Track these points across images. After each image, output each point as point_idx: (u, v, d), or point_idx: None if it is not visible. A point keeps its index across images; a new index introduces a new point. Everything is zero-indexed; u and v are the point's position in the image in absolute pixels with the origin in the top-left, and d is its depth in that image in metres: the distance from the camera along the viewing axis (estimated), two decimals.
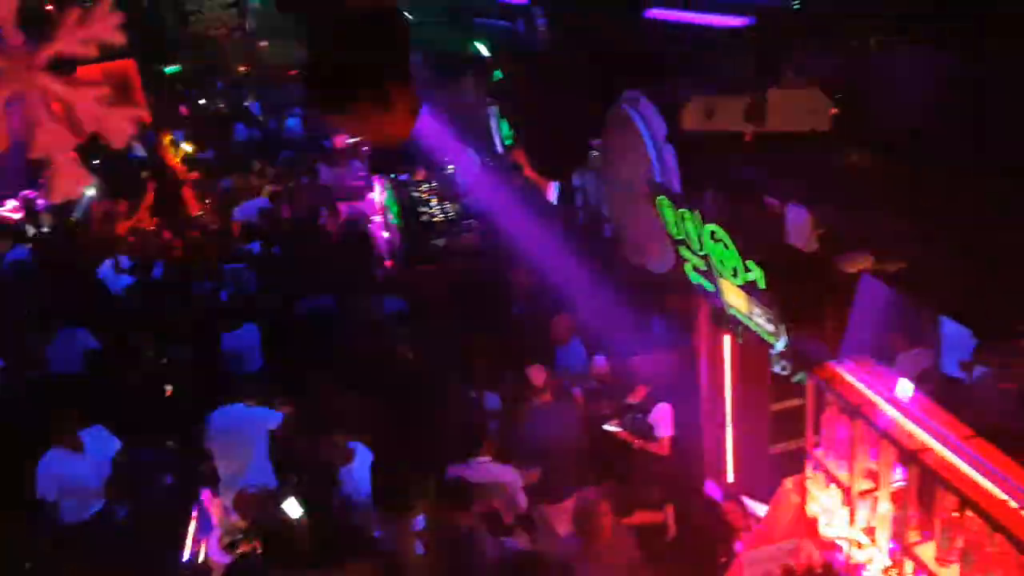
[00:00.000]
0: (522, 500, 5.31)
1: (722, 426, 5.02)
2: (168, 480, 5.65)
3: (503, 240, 8.47)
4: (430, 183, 9.75)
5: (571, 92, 6.08)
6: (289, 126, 15.72)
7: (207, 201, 11.53)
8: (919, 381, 5.10)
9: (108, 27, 2.06)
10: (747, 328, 4.27)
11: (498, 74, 8.96)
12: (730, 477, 5.11)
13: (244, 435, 5.65)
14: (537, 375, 5.71)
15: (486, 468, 5.19)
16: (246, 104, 17.16)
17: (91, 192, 10.87)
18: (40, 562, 5.10)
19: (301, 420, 5.93)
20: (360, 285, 7.92)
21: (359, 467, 5.17)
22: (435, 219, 9.08)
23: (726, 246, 3.94)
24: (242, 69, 20.84)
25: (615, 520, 4.53)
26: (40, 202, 10.76)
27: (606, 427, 5.75)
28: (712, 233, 4.01)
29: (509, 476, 5.26)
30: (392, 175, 9.79)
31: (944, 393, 4.02)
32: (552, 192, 8.61)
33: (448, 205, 9.35)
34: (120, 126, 2.19)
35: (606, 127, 5.35)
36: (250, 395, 5.94)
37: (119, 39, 2.08)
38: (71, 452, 5.39)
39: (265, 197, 11.06)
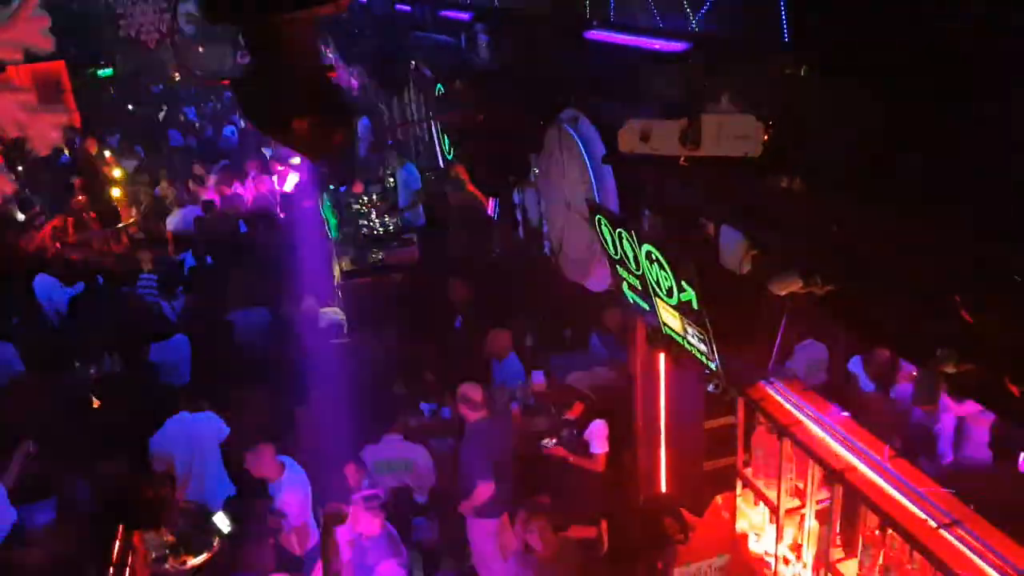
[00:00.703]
0: (431, 479, 5.70)
1: (656, 443, 5.08)
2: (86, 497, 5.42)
3: (443, 254, 8.44)
4: (370, 195, 9.66)
5: (511, 109, 6.12)
6: (225, 135, 15.40)
7: (139, 209, 11.18)
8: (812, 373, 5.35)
9: (34, 30, 1.98)
10: (681, 348, 4.34)
11: (440, 88, 8.96)
12: (664, 491, 5.17)
13: (202, 442, 5.56)
14: (473, 391, 5.69)
15: (396, 445, 5.67)
16: (182, 110, 16.78)
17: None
18: None
19: (232, 433, 5.80)
20: (295, 296, 7.77)
21: (287, 483, 5.05)
22: (374, 232, 8.98)
23: (661, 266, 4.00)
24: (177, 76, 20.37)
25: (552, 534, 4.53)
26: None
27: (543, 443, 5.75)
28: (648, 253, 4.06)
29: (419, 453, 5.71)
30: (330, 186, 9.66)
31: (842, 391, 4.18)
32: (492, 207, 8.62)
33: (387, 218, 9.26)
34: (45, 132, 2.11)
35: (546, 145, 5.39)
36: (181, 408, 5.81)
37: (46, 44, 2.00)
38: None
39: (197, 206, 10.78)
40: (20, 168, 11.68)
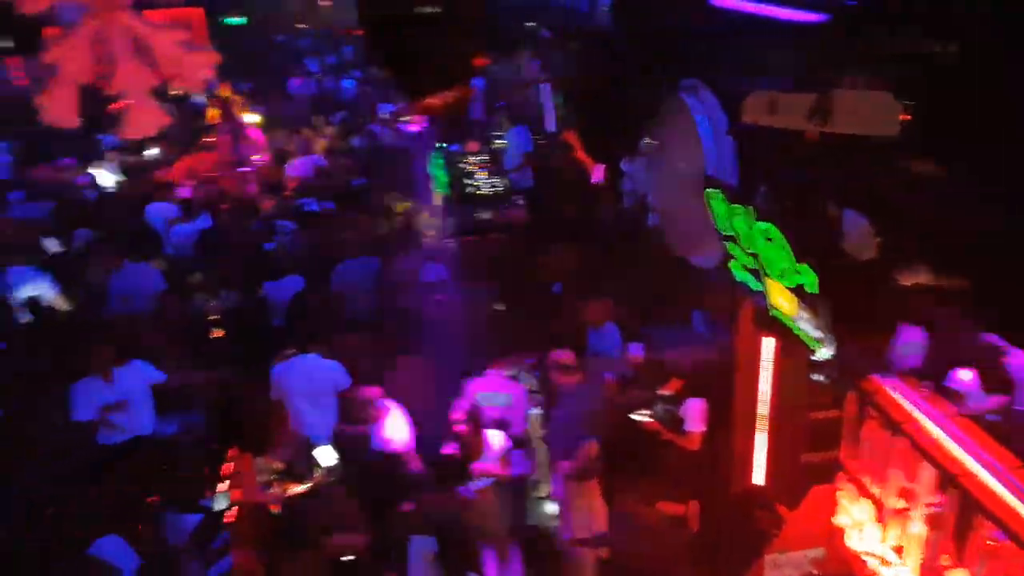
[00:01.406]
0: (525, 417, 5.78)
1: (754, 429, 4.96)
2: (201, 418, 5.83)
3: (548, 219, 8.43)
4: (480, 156, 9.73)
5: (630, 75, 6.00)
6: (344, 87, 15.82)
7: (263, 154, 11.69)
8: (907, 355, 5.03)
9: None
10: (789, 332, 4.20)
11: (555, 51, 8.88)
12: (759, 481, 5.06)
13: (318, 386, 5.83)
14: (567, 355, 5.72)
15: (498, 380, 5.82)
16: (304, 61, 17.32)
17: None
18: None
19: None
20: (404, 248, 7.97)
21: (390, 426, 5.24)
22: (481, 192, 9.06)
23: (778, 246, 3.87)
24: (301, 26, 21.00)
25: (643, 505, 4.54)
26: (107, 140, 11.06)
27: (635, 415, 5.73)
28: (764, 231, 3.93)
29: (517, 390, 5.81)
30: (443, 144, 9.79)
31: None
32: (599, 175, 8.54)
33: (496, 179, 9.32)
34: (197, 70, 2.23)
35: (663, 113, 5.27)
36: (287, 345, 6.12)
37: None
38: (103, 381, 5.60)
39: (320, 155, 11.20)
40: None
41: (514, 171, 9.31)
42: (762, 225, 3.91)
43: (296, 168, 10.87)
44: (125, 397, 5.58)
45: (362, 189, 10.02)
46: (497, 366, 6.02)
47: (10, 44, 10.66)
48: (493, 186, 9.20)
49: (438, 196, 9.52)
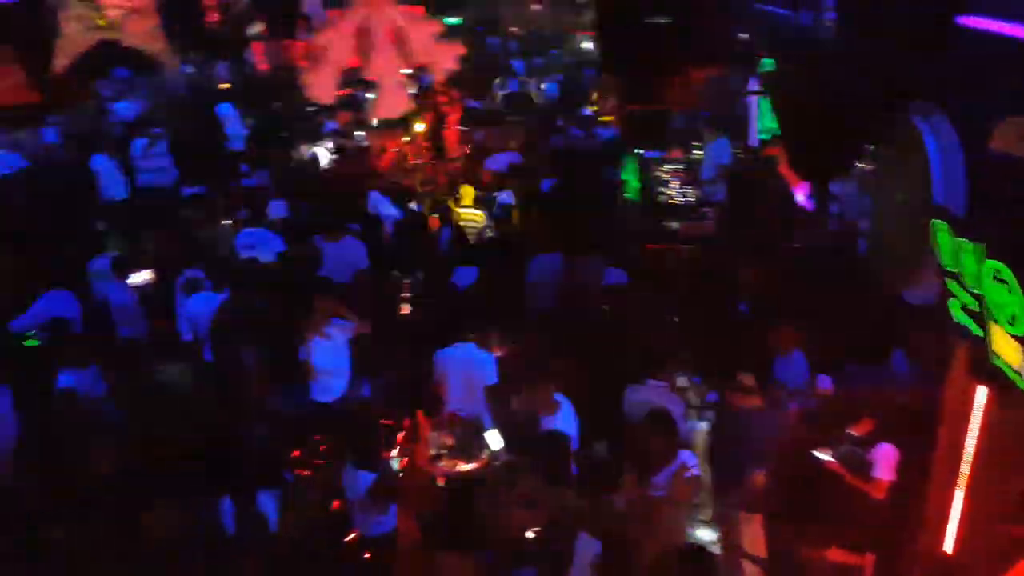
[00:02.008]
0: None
1: (953, 488, 4.53)
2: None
3: (741, 234, 8.16)
4: (675, 164, 9.61)
5: (852, 92, 5.68)
6: (547, 90, 16.20)
7: (466, 146, 12.26)
8: None
9: None
10: (1012, 385, 3.80)
11: (767, 63, 8.55)
12: (950, 547, 4.61)
13: (472, 375, 6.07)
14: (748, 377, 5.54)
15: (658, 391, 5.64)
16: (511, 62, 17.89)
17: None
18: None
19: (512, 366, 6.25)
20: (587, 250, 8.04)
21: (562, 420, 5.33)
22: (673, 201, 8.94)
23: (1010, 289, 3.51)
24: (513, 29, 21.70)
25: (808, 551, 4.30)
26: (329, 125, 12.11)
27: (818, 452, 5.43)
28: (995, 272, 3.58)
29: (677, 406, 5.55)
30: (639, 150, 9.76)
31: None
32: (804, 194, 8.14)
33: (689, 189, 9.16)
34: (445, 60, 2.41)
35: (885, 135, 4.94)
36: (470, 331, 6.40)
37: None
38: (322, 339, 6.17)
39: (516, 152, 11.57)
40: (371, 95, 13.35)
41: (709, 183, 9.10)
42: (993, 264, 3.56)
43: (494, 163, 11.29)
44: (336, 356, 6.09)
45: (552, 188, 10.22)
46: (662, 377, 5.92)
47: (259, 31, 11.96)
48: (685, 196, 9.05)
49: (627, 201, 9.52)
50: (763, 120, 8.94)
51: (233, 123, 12.88)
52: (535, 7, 19.78)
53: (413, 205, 9.99)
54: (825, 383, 5.90)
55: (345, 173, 10.97)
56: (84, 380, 6.08)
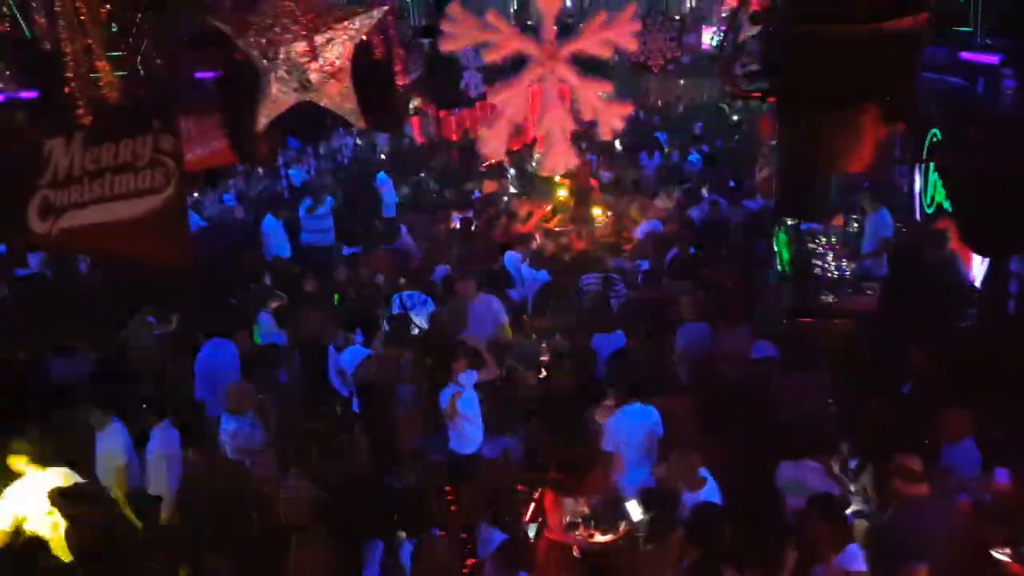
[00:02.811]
0: None
1: None
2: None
3: (904, 311, 7.65)
4: (830, 236, 9.23)
5: None
6: (691, 160, 16.17)
7: (610, 214, 12.40)
8: None
9: (625, 33, 2.33)
10: None
11: (935, 132, 8.13)
12: None
13: (635, 434, 6.03)
14: (913, 461, 5.09)
15: (814, 473, 5.43)
16: (656, 135, 18.05)
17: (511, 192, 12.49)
18: None
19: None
20: (736, 322, 7.80)
21: (704, 497, 5.10)
22: (828, 274, 8.55)
23: None
24: (659, 102, 21.96)
25: None
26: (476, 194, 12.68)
27: (995, 552, 4.87)
28: None
29: (834, 490, 5.23)
30: (794, 220, 9.46)
31: None
32: (978, 270, 7.56)
33: (845, 263, 8.73)
34: (612, 120, 2.47)
35: None
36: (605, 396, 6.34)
37: (633, 47, 2.34)
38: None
39: (658, 220, 11.55)
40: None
41: (869, 256, 8.64)
42: None
43: (639, 231, 11.32)
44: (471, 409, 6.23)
45: (695, 259, 10.09)
46: (818, 458, 5.59)
47: (417, 105, 12.77)
48: (841, 269, 8.63)
49: (779, 274, 9.20)
50: (929, 192, 8.46)
51: (388, 191, 13.75)
52: (681, 81, 19.96)
53: (555, 270, 10.13)
54: (1003, 476, 5.33)
55: (491, 238, 11.34)
56: (243, 425, 6.47)
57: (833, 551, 4.52)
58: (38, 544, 4.74)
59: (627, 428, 6.02)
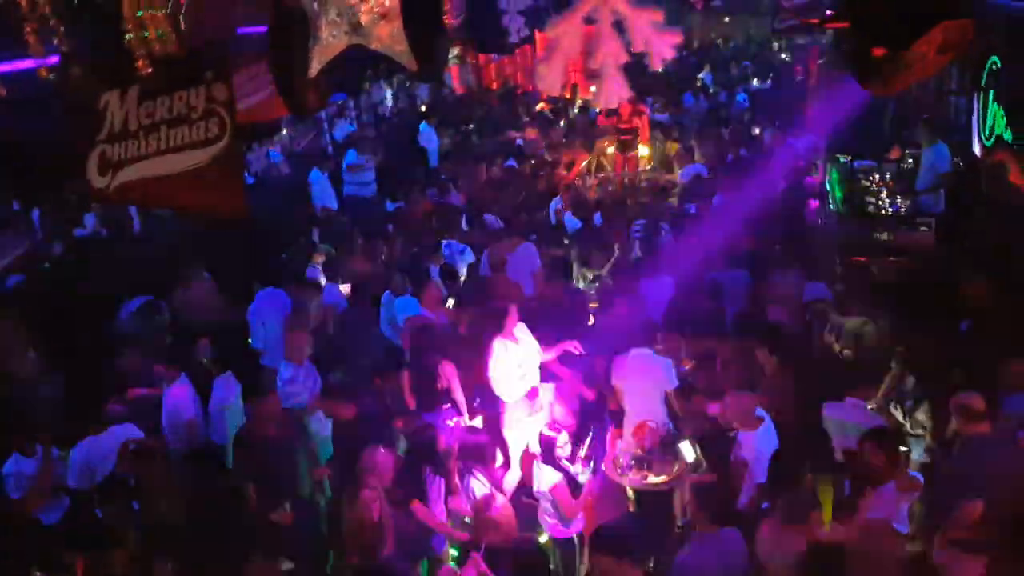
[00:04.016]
0: None
1: None
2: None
3: (961, 247, 7.44)
4: (885, 173, 8.96)
5: None
6: (738, 101, 15.78)
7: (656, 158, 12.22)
8: None
9: None
10: None
11: (995, 60, 7.72)
12: None
13: (650, 379, 6.01)
14: (975, 399, 5.02)
15: (858, 411, 5.44)
16: (700, 75, 17.58)
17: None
18: None
19: (703, 377, 6.10)
20: (787, 262, 7.68)
21: (761, 436, 5.11)
22: (882, 212, 8.31)
23: None
24: (696, 43, 21.33)
25: None
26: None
27: None
28: None
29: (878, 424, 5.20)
30: (843, 157, 9.21)
31: None
32: None
33: (899, 199, 8.47)
34: (663, 49, 2.43)
35: None
36: (653, 343, 6.33)
37: None
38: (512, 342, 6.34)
39: (702, 163, 11.35)
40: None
41: (925, 192, 8.37)
42: None
43: (683, 175, 11.15)
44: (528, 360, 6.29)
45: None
46: (859, 395, 5.58)
47: (457, 53, 12.67)
48: (895, 206, 8.39)
49: (831, 211, 8.99)
50: (988, 123, 8.10)
51: (431, 141, 13.73)
52: (725, 19, 19.33)
53: (597, 216, 10.07)
54: None
55: (532, 186, 11.30)
56: (300, 372, 6.63)
57: (888, 479, 4.53)
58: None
59: (632, 374, 6.04)
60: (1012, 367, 5.56)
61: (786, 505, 4.32)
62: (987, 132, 8.26)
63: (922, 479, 4.86)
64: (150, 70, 3.36)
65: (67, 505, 5.33)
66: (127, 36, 3.17)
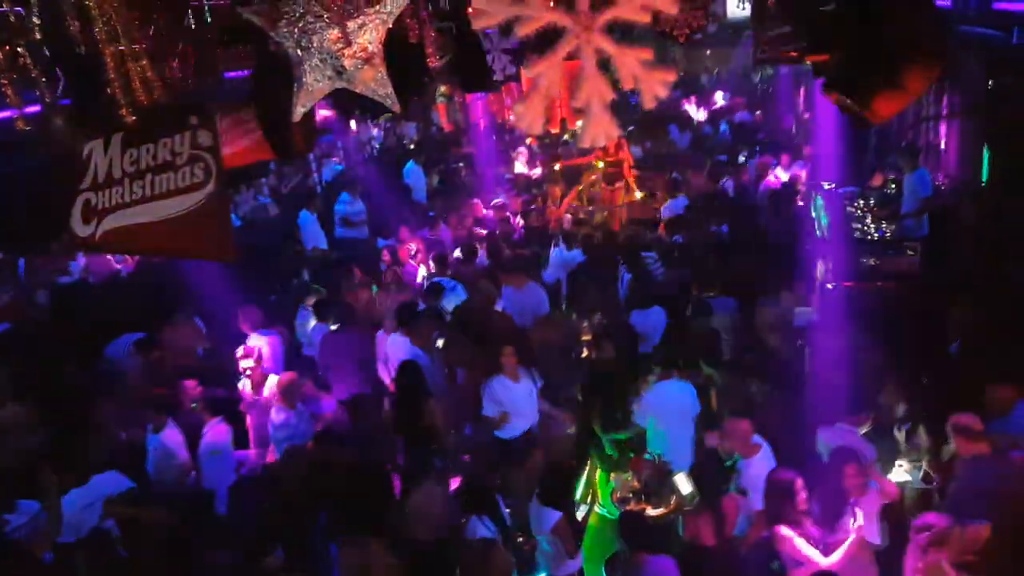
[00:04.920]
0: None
1: None
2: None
3: (947, 271, 7.49)
4: (868, 199, 9.06)
5: None
6: (722, 131, 15.97)
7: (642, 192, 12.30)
8: None
9: None
10: None
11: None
12: None
13: (682, 408, 6.06)
14: (971, 420, 5.03)
15: (849, 435, 5.42)
16: (684, 107, 17.79)
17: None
18: None
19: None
20: (772, 287, 7.72)
21: (760, 462, 5.08)
22: (868, 237, 8.38)
23: None
24: (681, 73, 21.55)
25: None
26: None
27: None
28: None
29: (869, 451, 5.26)
30: (829, 185, 9.30)
31: None
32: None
33: (884, 225, 8.55)
34: (655, 87, 2.43)
35: None
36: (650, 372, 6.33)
37: (672, 9, 2.30)
38: (511, 380, 6.41)
39: (685, 196, 11.44)
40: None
41: (909, 216, 8.45)
42: None
43: (668, 209, 11.22)
44: (520, 398, 6.24)
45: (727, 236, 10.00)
46: (852, 420, 5.58)
47: (444, 91, 12.74)
48: (880, 231, 8.46)
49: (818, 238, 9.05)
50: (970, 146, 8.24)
51: (418, 179, 13.78)
52: (707, 52, 19.61)
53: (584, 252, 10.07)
54: None
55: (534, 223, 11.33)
56: (292, 417, 6.58)
57: (857, 495, 4.65)
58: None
59: (663, 403, 6.03)
60: (997, 393, 5.59)
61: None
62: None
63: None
64: (134, 118, 3.36)
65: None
66: (112, 85, 3.17)
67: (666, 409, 6.00)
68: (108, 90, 3.20)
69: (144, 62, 3.15)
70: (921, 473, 5.63)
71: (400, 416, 6.34)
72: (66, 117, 3.78)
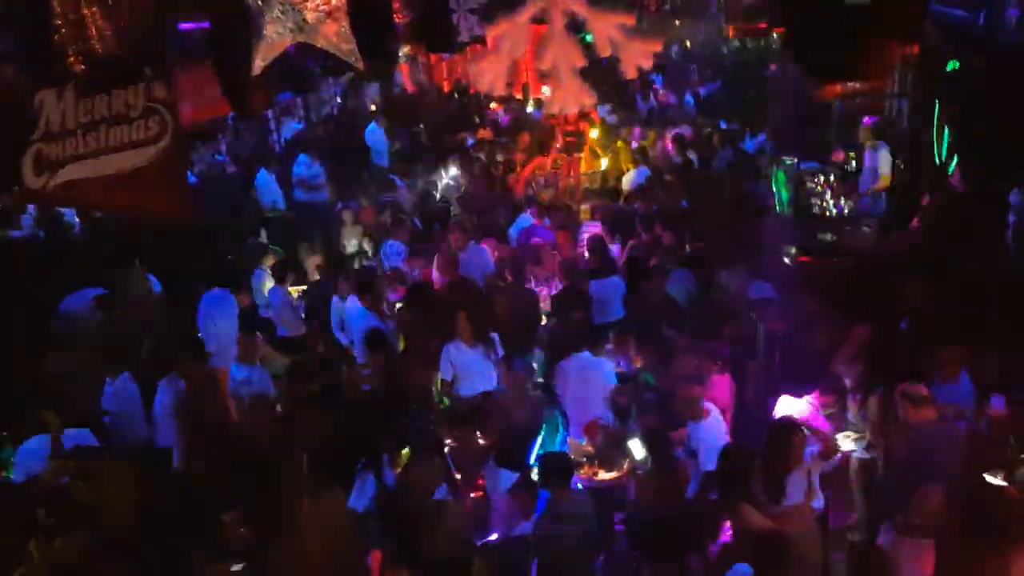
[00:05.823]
0: None
1: None
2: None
3: (901, 248, 7.66)
4: (828, 175, 9.19)
5: None
6: (687, 103, 15.99)
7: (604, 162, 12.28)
8: None
9: None
10: None
11: (953, 64, 7.96)
12: None
13: (590, 382, 6.10)
14: (919, 387, 5.20)
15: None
16: (650, 78, 17.70)
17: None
18: None
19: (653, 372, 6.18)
20: (734, 263, 7.82)
21: (708, 427, 5.21)
22: (826, 213, 8.54)
23: None
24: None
25: None
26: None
27: (989, 476, 4.99)
28: None
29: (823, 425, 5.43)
30: (789, 160, 9.40)
31: None
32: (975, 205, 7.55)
33: (843, 201, 8.71)
34: (635, 56, 2.41)
35: None
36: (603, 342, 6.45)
37: None
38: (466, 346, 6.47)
39: (645, 168, 11.48)
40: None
41: (867, 194, 8.61)
42: None
43: (629, 180, 11.25)
44: (473, 362, 6.27)
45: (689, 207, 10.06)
46: (816, 393, 5.73)
47: (407, 51, 12.49)
48: (839, 207, 8.62)
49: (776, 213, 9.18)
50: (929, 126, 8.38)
51: (380, 141, 13.55)
52: (676, 22, 19.48)
53: (546, 220, 10.06)
54: (998, 404, 5.43)
55: (482, 190, 11.26)
56: (254, 374, 6.56)
57: (794, 464, 4.78)
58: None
59: (575, 374, 6.14)
60: (943, 354, 5.77)
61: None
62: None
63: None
64: (85, 67, 3.24)
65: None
66: (61, 32, 3.05)
67: (570, 381, 6.10)
68: (58, 37, 3.08)
69: (95, 8, 3.03)
70: (865, 443, 5.82)
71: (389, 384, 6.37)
72: (15, 64, 3.64)
